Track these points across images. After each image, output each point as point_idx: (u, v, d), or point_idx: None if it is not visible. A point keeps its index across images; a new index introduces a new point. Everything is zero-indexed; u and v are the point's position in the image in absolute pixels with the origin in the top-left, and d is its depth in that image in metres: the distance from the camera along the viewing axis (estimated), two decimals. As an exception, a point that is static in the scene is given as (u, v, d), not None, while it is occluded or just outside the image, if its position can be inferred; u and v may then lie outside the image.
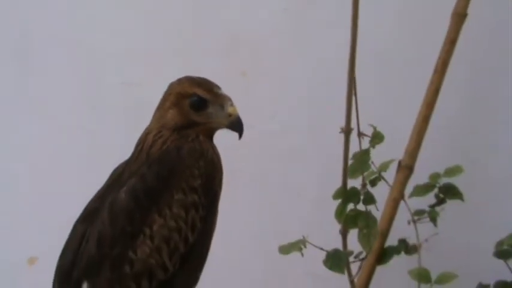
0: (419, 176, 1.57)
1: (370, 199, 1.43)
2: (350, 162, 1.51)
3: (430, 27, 1.79)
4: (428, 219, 1.51)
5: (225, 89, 1.38)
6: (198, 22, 2.04)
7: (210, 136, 1.37)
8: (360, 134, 1.47)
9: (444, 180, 1.53)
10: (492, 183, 1.93)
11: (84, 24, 2.06)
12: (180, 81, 1.36)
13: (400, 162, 1.61)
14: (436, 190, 1.53)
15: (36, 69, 2.06)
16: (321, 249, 1.42)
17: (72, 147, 2.03)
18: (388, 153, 1.50)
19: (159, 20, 2.05)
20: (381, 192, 1.54)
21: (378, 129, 1.50)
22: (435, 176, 1.53)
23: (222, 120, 1.35)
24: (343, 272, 1.42)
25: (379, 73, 1.94)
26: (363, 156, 1.45)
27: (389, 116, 1.85)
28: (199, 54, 2.01)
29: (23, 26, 2.06)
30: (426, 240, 1.48)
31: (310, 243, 1.43)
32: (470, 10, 1.58)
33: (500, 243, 1.52)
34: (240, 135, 1.36)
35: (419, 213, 1.52)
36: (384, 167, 1.51)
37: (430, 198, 1.54)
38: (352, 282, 1.49)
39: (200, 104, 1.33)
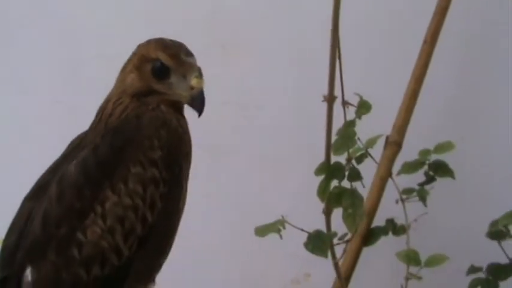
0: (408, 152, 1.53)
1: (355, 175, 1.35)
2: (335, 137, 1.39)
3: None
4: (417, 198, 1.46)
5: (203, 63, 1.26)
6: None
7: (175, 107, 1.23)
8: (345, 103, 1.38)
9: (434, 157, 1.48)
10: (484, 160, 1.87)
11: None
12: (148, 42, 1.24)
13: (387, 138, 1.57)
14: (425, 167, 1.48)
15: (11, 43, 1.99)
16: (302, 230, 1.33)
17: (49, 121, 1.96)
18: (375, 129, 1.44)
19: None
20: (368, 170, 1.47)
21: (365, 98, 1.42)
22: (425, 153, 1.48)
23: (182, 93, 1.20)
24: (326, 256, 1.34)
25: (366, 43, 1.86)
26: (348, 130, 1.37)
27: (376, 89, 1.73)
28: (178, 27, 1.86)
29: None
30: (415, 220, 1.44)
31: (290, 224, 1.34)
32: (462, -24, 1.54)
33: (494, 223, 1.46)
34: (200, 113, 1.21)
35: (408, 191, 1.47)
36: (371, 143, 1.43)
37: (419, 176, 1.49)
38: (336, 264, 1.41)
39: (161, 71, 1.20)
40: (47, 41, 1.99)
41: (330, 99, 1.26)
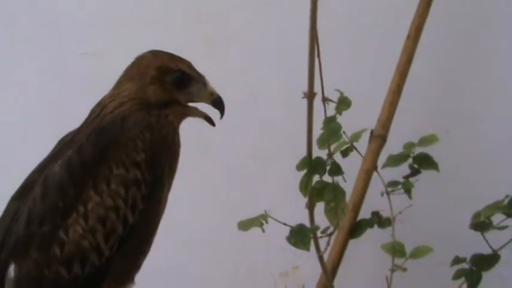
0: (393, 146, 1.53)
1: (336, 170, 1.35)
2: (320, 131, 1.39)
3: None
4: (402, 190, 1.45)
5: (187, 57, 1.30)
6: None
7: (180, 120, 1.29)
8: (325, 99, 1.37)
9: (419, 150, 1.47)
10: (468, 153, 1.87)
11: None
12: (155, 54, 1.28)
13: (372, 132, 1.57)
14: (410, 160, 1.47)
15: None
16: (285, 224, 1.34)
17: (34, 117, 1.97)
18: (360, 123, 1.44)
19: None
20: (353, 163, 1.49)
21: (345, 94, 1.42)
22: (409, 146, 1.47)
23: (203, 99, 1.29)
24: (308, 249, 1.33)
25: (350, 38, 1.87)
26: (333, 125, 1.37)
27: (360, 84, 1.79)
28: (162, 23, 1.94)
29: None
30: (400, 212, 1.43)
31: (273, 218, 1.34)
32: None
33: (476, 215, 1.45)
34: (222, 115, 1.31)
35: (393, 184, 1.46)
36: (356, 136, 1.43)
37: (404, 169, 1.48)
38: (321, 258, 1.40)
39: (184, 81, 1.26)
40: (33, 38, 1.98)
41: (310, 95, 1.26)
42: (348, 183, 1.41)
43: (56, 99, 1.97)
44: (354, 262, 1.67)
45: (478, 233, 1.46)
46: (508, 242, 1.45)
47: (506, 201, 1.42)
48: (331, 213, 1.29)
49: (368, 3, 1.88)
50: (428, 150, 1.47)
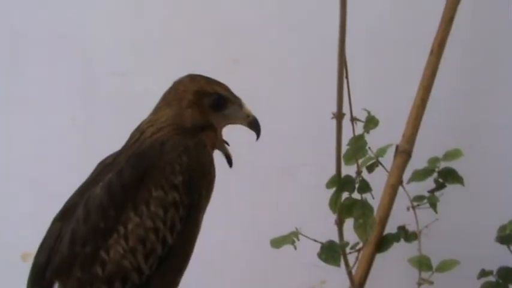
0: (418, 161, 1.53)
1: (365, 187, 1.36)
2: (345, 148, 1.42)
3: (426, 3, 1.76)
4: (428, 205, 1.46)
5: (215, 77, 1.33)
6: (188, 10, 1.98)
7: (213, 145, 1.31)
8: (353, 119, 1.40)
9: (443, 165, 1.48)
10: (493, 166, 1.88)
11: (72, 14, 2.01)
12: (192, 78, 1.30)
13: (397, 147, 1.58)
14: (435, 175, 1.48)
15: (23, 61, 2.02)
16: (315, 241, 1.36)
17: (64, 140, 1.99)
18: (385, 138, 1.44)
19: (148, 9, 2.00)
20: (379, 179, 1.50)
21: (372, 113, 1.43)
22: (434, 161, 1.48)
23: (240, 121, 1.33)
24: (338, 265, 1.36)
25: (373, 55, 1.89)
26: (359, 142, 1.39)
27: (385, 100, 1.81)
28: (190, 42, 1.96)
29: (9, 18, 2.02)
30: (426, 226, 1.44)
31: (304, 235, 1.37)
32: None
33: (502, 228, 1.48)
34: (258, 135, 1.34)
35: (418, 199, 1.47)
36: (381, 152, 1.43)
37: (429, 183, 1.49)
38: (350, 273, 1.43)
39: (221, 104, 1.29)
40: (61, 59, 2.01)
41: (339, 116, 1.28)
42: (376, 197, 1.42)
43: (85, 121, 2.00)
44: (381, 276, 1.65)
45: (504, 246, 1.47)
46: (535, 255, 1.47)
47: (532, 214, 1.43)
48: (361, 229, 1.30)
49: (391, 20, 1.90)
50: (452, 164, 1.48)
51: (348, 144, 1.43)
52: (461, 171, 1.48)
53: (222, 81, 1.33)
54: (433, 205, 1.46)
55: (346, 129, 1.37)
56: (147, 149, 1.23)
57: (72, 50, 2.00)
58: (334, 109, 1.34)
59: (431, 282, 1.36)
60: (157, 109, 1.30)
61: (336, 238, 1.37)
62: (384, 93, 1.87)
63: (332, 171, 1.38)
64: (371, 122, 1.40)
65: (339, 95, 1.27)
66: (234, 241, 1.94)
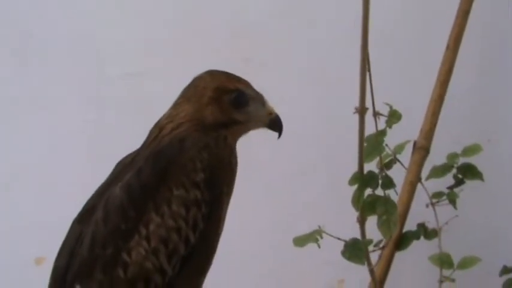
0: (436, 157, 1.55)
1: (388, 183, 1.35)
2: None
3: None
4: (447, 201, 1.49)
5: None
6: (200, 10, 1.98)
7: (237, 139, 1.29)
8: (376, 114, 1.37)
9: (462, 160, 1.50)
10: (510, 161, 1.88)
11: (83, 13, 2.00)
12: (213, 75, 1.28)
13: (415, 143, 1.59)
14: (454, 171, 1.50)
15: (35, 63, 2.00)
16: (339, 239, 1.36)
17: (76, 143, 1.98)
18: (402, 135, 1.46)
19: (160, 8, 1.99)
20: (397, 176, 1.47)
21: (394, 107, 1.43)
22: (453, 156, 1.51)
23: (262, 119, 1.29)
24: (363, 263, 1.36)
25: (389, 51, 1.87)
26: (378, 138, 1.37)
27: (402, 96, 1.70)
28: (201, 41, 1.95)
29: (21, 19, 2.00)
30: (446, 223, 1.46)
31: (327, 234, 1.37)
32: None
33: (524, 224, 1.50)
34: (280, 135, 1.31)
35: (437, 195, 1.50)
36: (399, 148, 1.46)
37: (448, 179, 1.51)
38: (371, 271, 1.42)
39: (242, 101, 1.26)
40: (71, 60, 1.98)
41: (362, 111, 1.28)
42: (392, 195, 1.39)
43: (96, 122, 1.98)
44: (401, 274, 1.68)
45: (526, 242, 1.49)
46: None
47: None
48: (384, 226, 1.30)
49: (406, 16, 1.90)
50: (471, 160, 1.49)
51: (365, 141, 1.39)
52: (480, 167, 1.49)
53: None
54: (453, 201, 1.48)
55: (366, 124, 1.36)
56: (166, 147, 1.21)
57: (84, 50, 1.99)
58: (351, 105, 1.33)
59: (453, 280, 1.37)
60: (177, 104, 1.28)
61: (356, 236, 1.37)
62: (400, 89, 1.85)
63: (350, 168, 1.37)
64: (394, 116, 1.39)
65: (361, 89, 1.27)
66: (253, 240, 1.92)
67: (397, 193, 1.41)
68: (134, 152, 1.29)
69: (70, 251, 1.20)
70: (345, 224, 1.35)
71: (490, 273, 1.53)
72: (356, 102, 1.30)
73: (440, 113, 1.61)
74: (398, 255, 1.56)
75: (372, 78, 1.35)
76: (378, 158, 1.38)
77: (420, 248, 1.52)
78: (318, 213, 1.82)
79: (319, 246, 1.36)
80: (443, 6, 1.66)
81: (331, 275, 1.93)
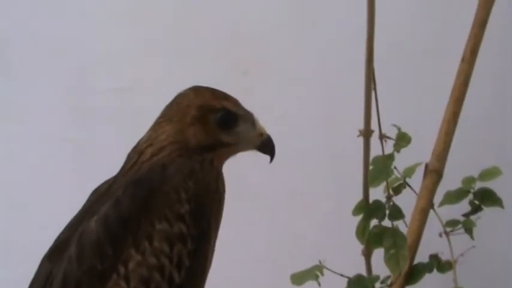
0: (450, 181, 1.50)
1: (396, 213, 1.34)
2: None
3: (456, 7, 1.74)
4: (462, 230, 1.45)
5: (227, 90, 1.26)
6: (194, 17, 1.96)
7: (224, 162, 1.24)
8: (383, 137, 1.37)
9: (479, 185, 1.46)
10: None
11: (68, 23, 1.98)
12: (197, 92, 1.23)
13: (427, 166, 1.53)
14: (470, 196, 1.46)
15: (16, 75, 1.98)
16: (341, 275, 1.33)
17: (58, 161, 1.95)
18: (412, 156, 1.42)
19: (152, 17, 1.97)
20: (406, 202, 1.46)
21: (403, 130, 1.41)
22: (469, 180, 1.46)
23: (252, 141, 1.23)
24: (368, 302, 1.35)
25: (397, 66, 1.85)
26: (385, 161, 1.36)
27: (412, 113, 1.78)
28: (196, 53, 1.93)
29: (2, 26, 1.99)
30: (462, 254, 1.42)
31: (329, 269, 1.33)
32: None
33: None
34: (272, 158, 1.26)
35: (452, 223, 1.45)
36: (409, 172, 1.43)
37: (463, 206, 1.47)
38: None
39: (230, 120, 1.21)
40: (55, 73, 1.97)
41: (367, 133, 1.27)
42: (401, 226, 1.40)
43: (81, 140, 1.96)
44: (412, 311, 1.66)
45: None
46: None
47: None
48: (392, 261, 1.27)
49: (416, 25, 1.88)
50: (489, 184, 1.45)
51: (371, 164, 1.41)
52: (499, 192, 1.46)
53: (230, 93, 1.26)
54: (469, 230, 1.44)
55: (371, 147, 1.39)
56: (147, 174, 1.16)
57: (66, 62, 1.97)
58: (357, 126, 1.36)
59: (469, 318, 1.35)
60: (157, 125, 1.23)
61: (362, 271, 1.35)
62: (410, 106, 1.84)
63: (356, 195, 1.36)
64: (402, 140, 1.37)
65: (366, 110, 1.27)
66: (245, 277, 1.87)
67: (406, 224, 1.37)
68: (111, 179, 1.23)
69: None
70: (349, 257, 1.36)
71: (510, 308, 1.51)
72: (361, 123, 1.27)
73: (455, 133, 1.55)
74: (408, 290, 1.54)
75: (378, 96, 1.37)
76: (385, 183, 1.36)
77: (433, 282, 1.48)
78: (318, 244, 1.79)
79: (319, 284, 1.33)
80: (457, 15, 1.64)
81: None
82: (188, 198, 1.13)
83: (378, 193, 1.44)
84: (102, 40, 1.97)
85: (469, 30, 1.56)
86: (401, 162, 1.41)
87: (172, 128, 1.20)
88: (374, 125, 1.41)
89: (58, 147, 1.95)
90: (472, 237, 1.44)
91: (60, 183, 1.92)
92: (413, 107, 1.84)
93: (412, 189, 1.45)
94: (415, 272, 1.48)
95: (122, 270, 1.09)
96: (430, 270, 1.47)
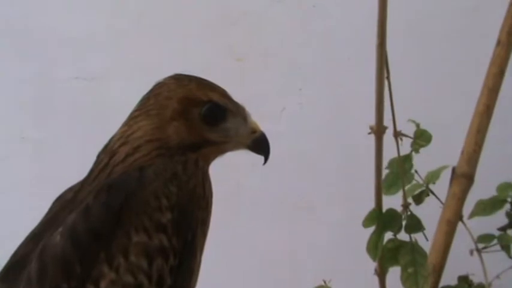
0: (482, 187, 1.48)
1: (415, 225, 1.33)
2: (385, 172, 1.38)
3: None
4: (498, 247, 1.44)
5: (216, 81, 1.25)
6: None
7: (211, 161, 1.23)
8: (398, 134, 1.34)
9: None
10: None
11: (27, 5, 1.98)
12: (179, 81, 1.21)
13: (454, 170, 1.50)
14: (507, 206, 1.46)
15: None
16: None
17: (15, 164, 1.95)
18: (436, 159, 1.42)
19: None
20: (430, 213, 1.44)
21: (422, 126, 1.38)
22: (505, 187, 1.45)
23: (243, 139, 1.23)
24: (383, 331, 1.30)
25: (415, 50, 1.86)
26: (403, 164, 1.34)
27: (432, 108, 1.76)
28: (180, 36, 1.93)
29: None
30: (498, 276, 1.41)
31: None
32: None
33: None
34: (267, 158, 1.25)
35: (485, 239, 1.44)
36: (433, 176, 1.42)
37: (499, 217, 1.46)
38: None
39: (217, 115, 1.20)
40: (12, 61, 1.99)
41: (379, 130, 1.23)
42: (420, 240, 1.38)
43: (41, 135, 1.95)
44: None
45: None
46: None
47: None
48: (411, 281, 1.27)
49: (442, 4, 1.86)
50: None
51: (387, 167, 1.40)
52: None
53: (219, 84, 1.24)
54: (506, 247, 1.43)
55: (386, 148, 1.33)
56: (121, 178, 1.13)
57: (25, 48, 1.97)
58: (367, 121, 1.32)
59: None
60: (132, 119, 1.21)
61: None
62: (430, 98, 1.83)
63: (367, 204, 1.33)
64: (421, 138, 1.35)
65: (378, 103, 1.21)
66: None
67: (427, 238, 1.36)
68: (77, 185, 1.20)
69: None
70: (359, 277, 1.35)
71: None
72: (372, 119, 1.27)
73: (488, 129, 1.52)
74: (433, 317, 1.47)
75: (393, 86, 1.33)
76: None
77: (463, 309, 1.41)
78: (325, 260, 1.79)
79: (326, 309, 1.31)
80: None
81: None
82: (170, 206, 1.11)
83: (396, 201, 1.41)
84: (70, 23, 1.97)
85: (506, 8, 1.52)
86: (422, 164, 1.40)
87: (149, 123, 1.18)
88: (388, 121, 1.37)
89: (14, 147, 1.95)
90: (509, 256, 1.43)
91: (18, 189, 1.92)
92: (435, 98, 1.83)
93: (436, 197, 1.43)
94: (441, 297, 1.43)
95: None
96: (459, 295, 1.39)
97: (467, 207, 1.48)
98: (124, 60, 1.91)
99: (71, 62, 1.96)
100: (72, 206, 1.15)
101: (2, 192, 1.92)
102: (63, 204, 1.18)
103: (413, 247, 1.30)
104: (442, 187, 1.46)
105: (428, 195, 1.42)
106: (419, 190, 1.42)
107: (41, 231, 1.15)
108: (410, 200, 1.39)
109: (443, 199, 1.48)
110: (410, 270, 1.28)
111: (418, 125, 1.37)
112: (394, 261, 1.31)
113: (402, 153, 1.39)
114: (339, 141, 1.89)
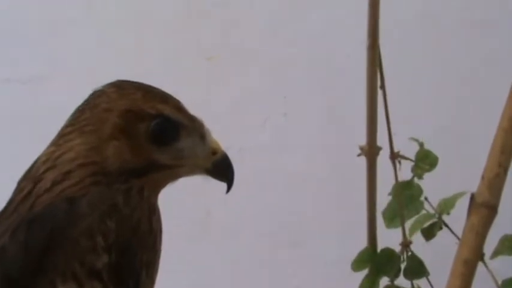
0: (507, 220, 1.49)
1: (417, 268, 1.32)
2: (387, 198, 1.38)
3: None
4: None
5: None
6: None
7: (160, 190, 1.18)
8: (395, 156, 1.33)
9: None
10: None
11: None
12: (122, 89, 1.16)
13: (473, 197, 1.39)
14: None
15: None
16: None
17: None
18: (448, 184, 1.41)
19: None
20: (443, 250, 1.36)
21: (426, 146, 1.37)
22: None
23: (200, 161, 1.17)
24: None
25: (416, 51, 1.85)
26: (403, 192, 1.33)
27: (443, 124, 1.77)
28: (136, 29, 1.92)
29: None
30: None
31: None
32: None
33: None
34: (230, 185, 1.21)
35: (511, 283, 1.37)
36: (447, 205, 1.38)
37: None
38: None
39: (168, 133, 1.15)
40: None
41: (371, 151, 1.24)
42: (437, 280, 1.34)
43: None
44: None
45: None
46: None
47: None
48: None
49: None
50: None
51: (391, 193, 1.37)
52: None
53: (174, 94, 1.17)
54: None
55: (383, 171, 1.33)
56: (47, 212, 1.07)
57: None
58: (361, 140, 1.33)
59: None
60: (62, 137, 1.13)
61: None
62: (440, 111, 1.82)
63: (362, 239, 1.34)
64: (425, 160, 1.34)
65: (370, 118, 1.22)
66: None
67: (431, 285, 1.34)
68: None
69: None
70: None
71: None
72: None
73: None
74: None
75: (389, 97, 1.34)
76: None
77: None
78: None
79: None
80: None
81: None
82: (107, 246, 1.07)
83: (396, 237, 1.40)
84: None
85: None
86: (434, 191, 1.38)
87: (83, 142, 1.13)
88: (383, 140, 1.38)
89: None
90: (542, 305, 1.23)
91: None
92: (444, 111, 1.82)
93: (451, 230, 1.38)
94: None
95: None
96: None
97: (490, 244, 1.39)
98: (66, 58, 1.87)
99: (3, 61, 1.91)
100: None
101: None
102: None
103: (414, 297, 1.24)
104: (458, 218, 1.38)
105: (441, 228, 1.39)
106: (430, 222, 1.39)
107: None
108: (418, 235, 1.37)
109: (459, 233, 1.38)
110: (411, 326, 1.22)
111: (421, 144, 1.35)
112: (392, 313, 1.25)
113: (406, 177, 1.38)
114: (331, 160, 1.88)
